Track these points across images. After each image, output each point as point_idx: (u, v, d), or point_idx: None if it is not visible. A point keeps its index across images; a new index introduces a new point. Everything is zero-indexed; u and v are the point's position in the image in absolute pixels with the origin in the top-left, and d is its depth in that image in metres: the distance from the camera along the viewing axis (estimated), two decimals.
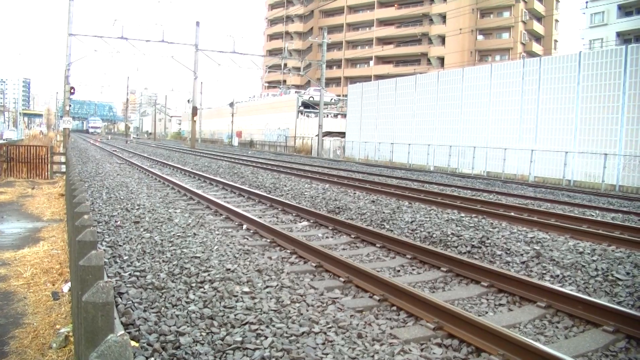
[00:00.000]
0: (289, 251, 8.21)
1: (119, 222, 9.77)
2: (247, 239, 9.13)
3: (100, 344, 1.89)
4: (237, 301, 5.35)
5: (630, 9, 52.93)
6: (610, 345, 5.03)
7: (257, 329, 4.66)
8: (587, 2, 55.12)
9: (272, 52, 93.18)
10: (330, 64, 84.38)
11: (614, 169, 23.45)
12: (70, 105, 38.41)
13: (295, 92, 71.96)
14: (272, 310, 5.15)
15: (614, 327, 5.23)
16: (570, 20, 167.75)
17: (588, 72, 24.92)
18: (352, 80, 79.14)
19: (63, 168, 21.35)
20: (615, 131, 23.63)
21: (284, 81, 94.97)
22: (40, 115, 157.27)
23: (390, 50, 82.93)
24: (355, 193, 15.16)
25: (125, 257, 7.12)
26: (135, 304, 5.19)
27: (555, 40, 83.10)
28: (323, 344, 4.48)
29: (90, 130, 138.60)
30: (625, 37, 51.70)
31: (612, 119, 23.82)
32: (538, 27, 78.44)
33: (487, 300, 6.31)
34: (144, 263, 6.82)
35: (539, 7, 78.47)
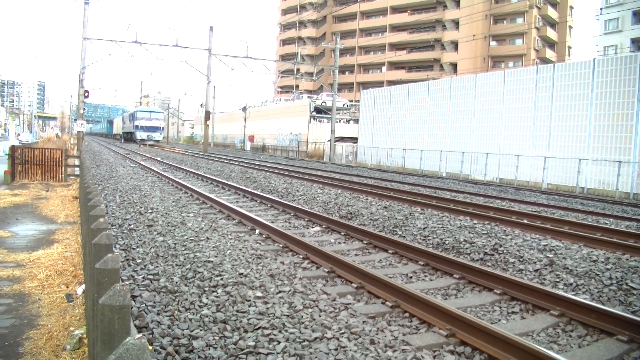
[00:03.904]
0: (301, 256, 8.22)
1: (132, 226, 9.83)
2: (260, 243, 9.15)
3: (118, 347, 1.91)
4: (249, 306, 5.37)
5: None
6: (624, 355, 4.99)
7: (269, 334, 4.68)
8: (601, 9, 54.83)
9: (284, 57, 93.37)
10: (343, 70, 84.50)
11: (628, 176, 23.26)
12: (84, 109, 38.69)
13: (308, 97, 72.09)
14: (284, 315, 5.16)
15: (628, 336, 5.19)
16: (584, 26, 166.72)
17: (602, 79, 24.76)
18: (365, 85, 79.30)
19: (77, 171, 21.50)
20: (630, 138, 23.44)
21: (297, 86, 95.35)
22: (54, 118, 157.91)
23: (402, 55, 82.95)
24: (367, 199, 15.15)
25: (138, 261, 7.16)
26: (149, 307, 5.23)
27: (569, 47, 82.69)
28: (335, 349, 4.49)
29: (140, 135, 66.11)
30: None
31: (626, 126, 23.64)
32: (552, 34, 78.12)
33: (500, 307, 6.29)
34: (157, 266, 6.85)
35: (553, 14, 78.16)
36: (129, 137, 73.92)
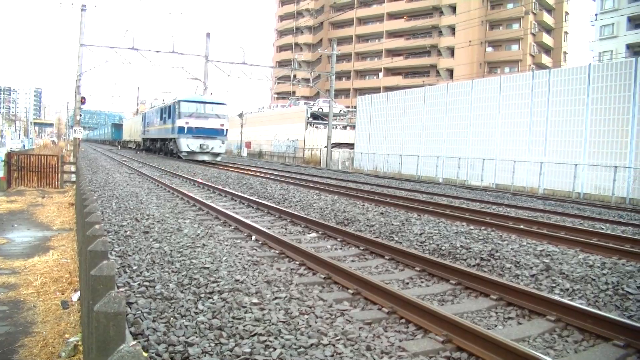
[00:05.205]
0: (297, 262, 8.21)
1: (128, 232, 9.81)
2: (256, 250, 9.13)
3: (112, 354, 1.91)
4: (245, 312, 5.36)
5: None
6: None
7: (265, 341, 4.67)
8: (596, 14, 55.09)
9: (281, 64, 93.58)
10: (340, 76, 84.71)
11: (624, 181, 23.33)
12: (80, 115, 38.74)
13: (305, 103, 72.15)
14: (280, 321, 5.16)
15: (624, 341, 5.20)
16: (579, 32, 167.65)
17: (598, 85, 24.87)
18: (361, 91, 79.44)
19: (73, 177, 21.48)
20: (626, 143, 23.53)
21: (293, 92, 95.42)
22: (51, 125, 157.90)
23: (399, 62, 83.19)
24: (364, 205, 15.15)
25: (134, 267, 7.15)
26: (145, 314, 5.21)
27: (565, 53, 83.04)
28: (332, 356, 4.48)
29: (187, 144, 37.64)
30: (635, 50, 51.60)
31: (622, 132, 23.73)
32: (547, 39, 78.47)
33: (496, 313, 6.28)
34: (153, 273, 6.84)
35: (549, 19, 78.53)
36: (159, 146, 47.40)
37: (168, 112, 41.02)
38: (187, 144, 37.61)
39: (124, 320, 2.49)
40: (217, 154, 39.21)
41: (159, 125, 45.02)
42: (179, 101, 38.47)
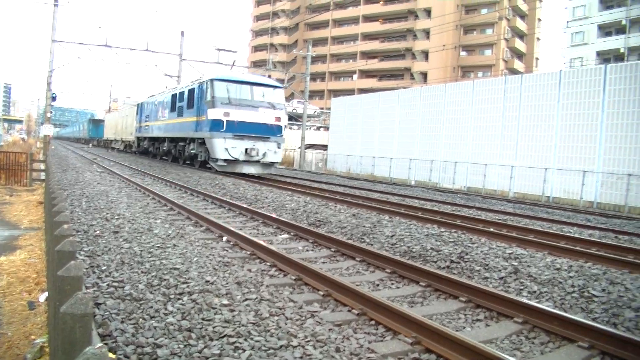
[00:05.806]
0: (268, 264, 8.20)
1: (98, 232, 9.68)
2: (227, 250, 9.10)
3: (78, 356, 1.89)
4: (215, 314, 5.34)
5: (609, 29, 54.02)
6: None
7: (235, 342, 4.65)
8: (568, 22, 56.16)
9: (256, 64, 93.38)
10: (314, 77, 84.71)
11: (592, 186, 23.77)
12: (51, 112, 38.15)
13: None
14: (250, 323, 5.15)
15: (589, 343, 5.30)
16: (551, 38, 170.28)
17: (568, 90, 25.29)
18: (336, 93, 79.60)
19: (42, 175, 21.14)
20: (594, 149, 23.98)
21: None
22: (20, 121, 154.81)
23: (374, 64, 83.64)
24: (336, 206, 15.17)
25: (103, 267, 7.06)
26: (113, 315, 5.16)
27: (537, 58, 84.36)
28: (301, 357, 4.49)
29: (225, 149, 23.85)
30: (604, 57, 52.72)
31: (591, 137, 24.17)
32: (520, 45, 79.61)
33: (465, 315, 6.36)
34: (122, 274, 6.76)
35: (522, 25, 79.65)
36: (168, 149, 33.69)
37: (190, 97, 27.68)
38: (226, 147, 24.26)
39: (90, 322, 2.47)
40: (271, 164, 26.35)
41: (172, 118, 31.40)
42: (211, 80, 24.90)
